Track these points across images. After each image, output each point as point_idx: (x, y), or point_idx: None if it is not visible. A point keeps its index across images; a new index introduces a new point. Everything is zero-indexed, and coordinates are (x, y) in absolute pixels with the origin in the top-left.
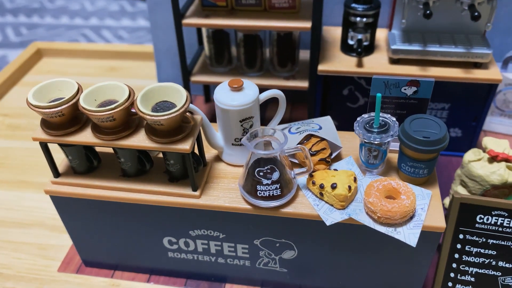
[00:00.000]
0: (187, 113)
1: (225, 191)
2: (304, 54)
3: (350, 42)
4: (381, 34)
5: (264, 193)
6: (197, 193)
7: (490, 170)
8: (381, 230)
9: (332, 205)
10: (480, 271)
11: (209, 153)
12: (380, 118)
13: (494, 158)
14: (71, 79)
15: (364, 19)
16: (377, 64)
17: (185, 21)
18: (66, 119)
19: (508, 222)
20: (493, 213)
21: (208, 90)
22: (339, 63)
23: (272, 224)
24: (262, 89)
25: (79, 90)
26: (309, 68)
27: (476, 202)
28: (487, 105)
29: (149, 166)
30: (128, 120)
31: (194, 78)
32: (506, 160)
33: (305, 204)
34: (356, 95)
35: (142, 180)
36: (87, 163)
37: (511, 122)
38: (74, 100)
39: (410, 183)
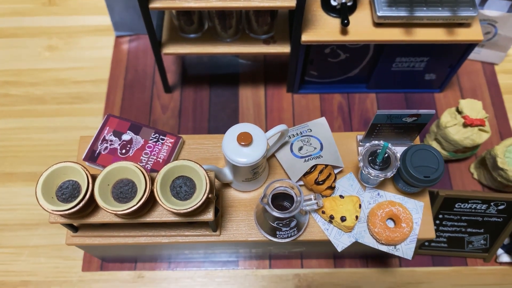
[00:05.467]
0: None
1: (243, 224)
2: None
3: (333, 3)
4: None
5: (283, 236)
6: (217, 232)
7: (464, 135)
8: (384, 249)
9: (340, 229)
10: (452, 235)
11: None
12: None
13: (469, 125)
14: (73, 164)
15: None
16: (361, 28)
17: (152, 5)
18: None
19: (481, 206)
20: (469, 201)
21: None
22: (322, 29)
23: (286, 243)
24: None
25: (88, 178)
26: (290, 38)
27: (457, 196)
28: (464, 57)
29: None
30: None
31: (166, 51)
32: (479, 125)
33: (316, 229)
34: (338, 52)
35: (160, 224)
36: None
37: (479, 50)
38: (89, 194)
39: (404, 196)
